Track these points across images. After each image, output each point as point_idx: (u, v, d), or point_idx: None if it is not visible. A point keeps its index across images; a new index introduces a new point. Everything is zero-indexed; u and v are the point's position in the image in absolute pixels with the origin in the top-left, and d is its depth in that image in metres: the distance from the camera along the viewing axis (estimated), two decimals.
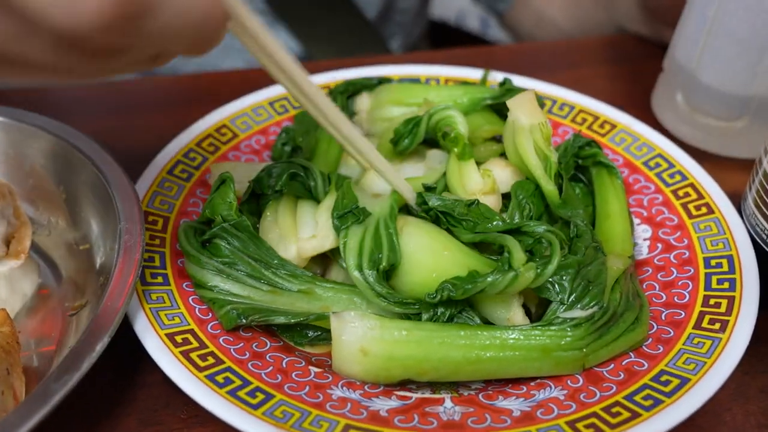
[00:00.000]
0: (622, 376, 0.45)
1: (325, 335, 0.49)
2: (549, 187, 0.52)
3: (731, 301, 0.48)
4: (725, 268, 0.51)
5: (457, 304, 0.47)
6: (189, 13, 0.32)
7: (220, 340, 0.47)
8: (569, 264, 0.47)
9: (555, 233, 0.47)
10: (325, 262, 0.53)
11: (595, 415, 0.42)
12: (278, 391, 0.43)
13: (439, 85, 0.68)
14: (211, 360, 0.45)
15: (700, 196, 0.56)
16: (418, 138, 0.55)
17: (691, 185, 0.57)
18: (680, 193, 0.57)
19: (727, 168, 0.64)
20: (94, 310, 0.47)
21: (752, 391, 0.48)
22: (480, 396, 0.45)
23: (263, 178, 0.54)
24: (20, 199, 0.54)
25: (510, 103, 0.54)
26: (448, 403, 0.45)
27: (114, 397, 0.47)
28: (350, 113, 0.64)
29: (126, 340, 0.46)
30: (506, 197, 0.54)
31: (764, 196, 0.50)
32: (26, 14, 0.30)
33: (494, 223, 0.49)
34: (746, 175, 0.63)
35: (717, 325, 0.47)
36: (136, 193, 0.51)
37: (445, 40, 1.21)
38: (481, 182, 0.52)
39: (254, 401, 0.42)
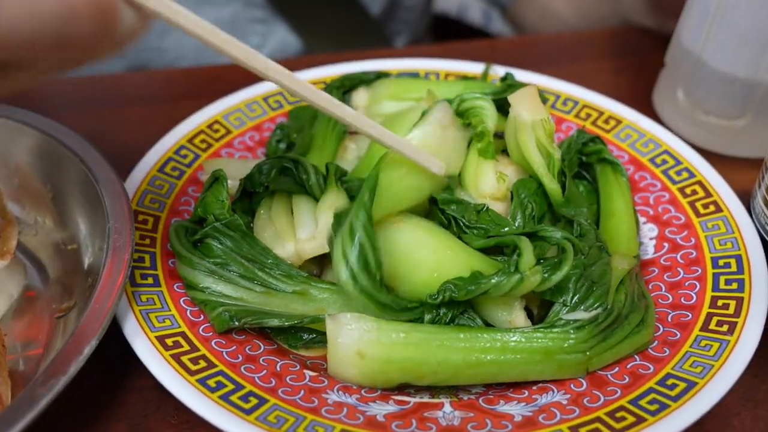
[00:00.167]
0: (627, 379, 0.45)
1: (320, 338, 0.49)
2: (552, 185, 0.52)
3: (740, 302, 0.48)
4: (734, 268, 0.51)
5: (459, 305, 0.47)
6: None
7: (212, 343, 0.47)
8: (573, 265, 0.47)
9: (572, 240, 0.47)
10: (321, 261, 0.53)
11: (599, 420, 0.42)
12: (272, 395, 0.43)
13: (438, 80, 0.68)
14: (202, 363, 0.45)
15: (708, 194, 0.56)
16: None
17: (699, 183, 0.57)
18: (687, 190, 0.57)
19: (736, 165, 0.64)
20: (82, 312, 0.47)
21: (761, 395, 0.48)
22: (480, 400, 0.45)
23: (254, 176, 0.54)
24: (6, 198, 0.54)
25: (511, 98, 0.54)
26: (448, 408, 0.45)
27: (102, 402, 0.47)
28: None
29: (115, 343, 0.46)
30: None
31: None
32: None
33: (506, 228, 0.48)
34: (755, 172, 0.63)
35: (725, 327, 0.47)
36: (126, 192, 0.51)
37: (446, 34, 1.21)
38: (495, 186, 0.51)
39: (247, 406, 0.42)
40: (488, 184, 0.52)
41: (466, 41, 0.87)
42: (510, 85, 0.62)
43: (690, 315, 0.49)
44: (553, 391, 0.45)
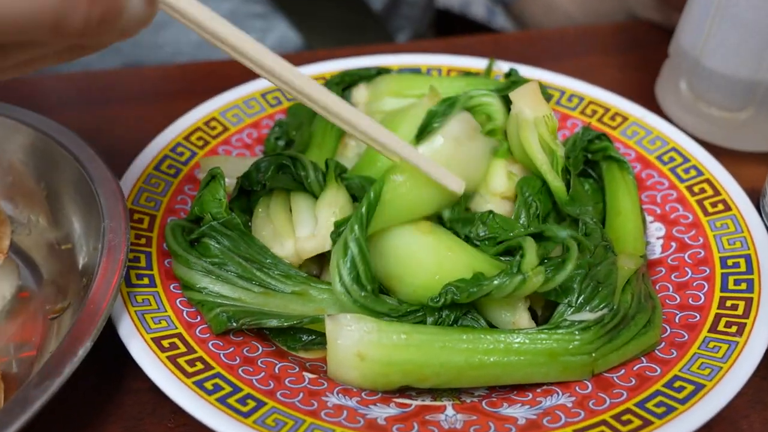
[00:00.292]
0: (634, 382, 0.45)
1: (319, 339, 0.49)
2: (556, 183, 0.52)
3: (749, 303, 0.48)
4: (743, 268, 0.51)
5: (461, 307, 0.47)
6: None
7: (209, 344, 0.47)
8: (578, 264, 0.47)
9: (577, 239, 0.47)
10: (321, 260, 0.53)
11: (604, 423, 0.43)
12: (270, 398, 0.44)
13: (441, 76, 0.69)
14: (199, 365, 0.45)
15: (717, 192, 0.56)
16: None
17: (707, 181, 0.57)
18: (695, 189, 0.57)
19: (745, 162, 0.64)
20: (76, 314, 0.47)
21: None
22: (483, 403, 0.45)
23: (252, 173, 0.54)
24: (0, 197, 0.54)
25: (513, 95, 0.54)
26: (450, 411, 0.45)
27: (97, 405, 0.47)
28: None
29: (110, 344, 0.47)
30: None
31: None
32: None
33: (514, 231, 0.49)
34: (765, 169, 0.63)
35: (734, 329, 0.47)
36: (121, 190, 0.51)
37: (449, 29, 1.21)
38: (506, 185, 0.52)
39: (245, 409, 0.42)
40: (499, 182, 0.52)
41: (469, 36, 0.87)
42: (514, 81, 0.62)
43: (698, 316, 0.49)
44: (558, 394, 0.45)
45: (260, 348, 0.48)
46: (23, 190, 0.55)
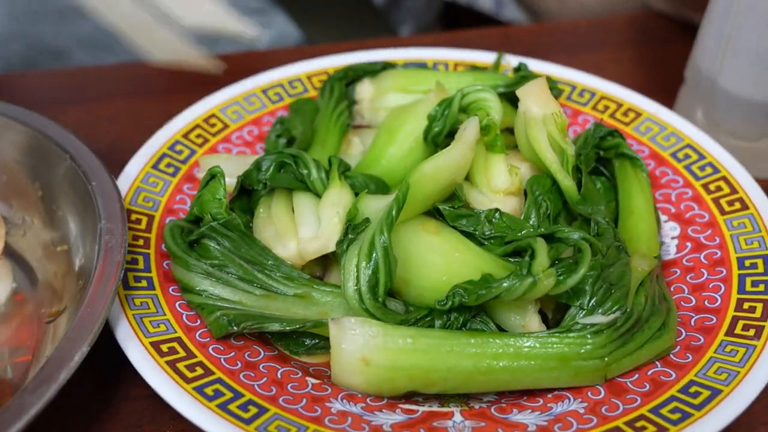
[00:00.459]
0: (648, 387, 0.45)
1: (323, 343, 0.49)
2: (566, 182, 0.52)
3: (767, 305, 0.48)
4: (761, 269, 0.51)
5: (469, 309, 0.47)
6: None
7: (210, 349, 0.47)
8: (590, 266, 0.47)
9: (590, 241, 0.47)
10: (324, 262, 0.53)
11: (617, 429, 0.42)
12: (272, 404, 0.44)
13: (447, 71, 0.68)
14: (199, 371, 0.45)
15: (734, 191, 0.56)
16: (451, 120, 0.54)
17: (724, 178, 0.57)
18: (711, 187, 0.57)
19: None
20: (72, 317, 0.47)
21: None
22: (492, 409, 0.45)
23: (253, 172, 0.54)
24: None
25: (520, 92, 0.54)
26: (458, 417, 0.45)
27: (94, 411, 0.47)
28: (350, 101, 0.64)
29: (107, 349, 0.47)
30: None
31: None
32: None
33: (523, 231, 0.48)
34: None
35: (752, 332, 0.47)
36: (118, 190, 0.51)
37: (456, 22, 1.21)
38: (508, 181, 0.51)
39: (246, 415, 0.42)
40: (500, 179, 0.52)
41: (477, 29, 0.87)
42: (524, 76, 0.62)
43: (714, 319, 0.49)
44: (570, 399, 0.45)
45: (262, 352, 0.48)
46: (18, 189, 0.56)
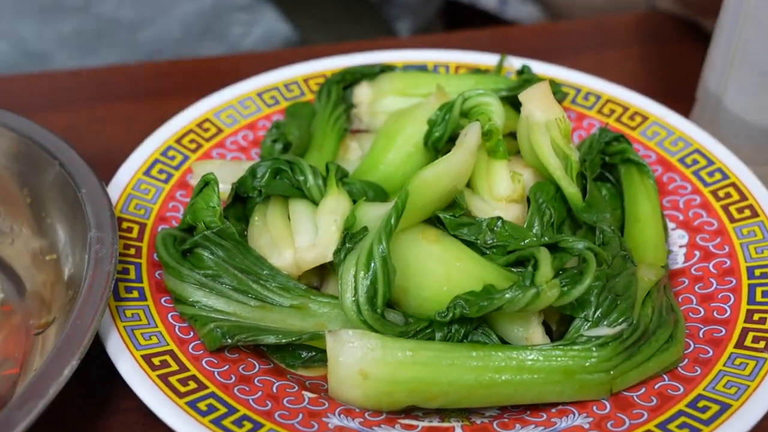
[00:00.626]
0: (655, 401, 0.45)
1: (320, 356, 0.49)
2: (570, 189, 0.52)
3: None
4: None
5: (471, 321, 0.47)
6: None
7: (203, 362, 0.47)
8: (595, 276, 0.47)
9: (595, 251, 0.47)
10: (322, 272, 0.53)
11: None
12: (268, 419, 0.44)
13: (448, 73, 0.69)
14: (192, 385, 0.45)
15: (743, 197, 0.56)
16: (452, 125, 0.54)
17: (733, 185, 0.57)
18: (720, 193, 0.57)
19: None
20: (61, 329, 0.47)
21: None
22: (494, 424, 0.45)
23: (248, 179, 0.54)
24: None
25: (522, 96, 0.55)
26: None
27: (84, 426, 0.47)
28: (348, 105, 0.65)
29: (97, 362, 0.47)
30: None
31: None
32: None
33: (526, 240, 0.49)
34: None
35: (762, 344, 0.47)
36: (108, 197, 0.52)
37: (459, 21, 1.21)
38: (511, 188, 0.52)
39: (241, 431, 0.42)
40: (503, 185, 0.52)
41: (478, 29, 0.88)
42: (527, 79, 0.62)
43: (723, 330, 0.49)
44: (574, 414, 0.45)
45: (257, 365, 0.48)
46: (5, 197, 0.56)
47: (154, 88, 0.76)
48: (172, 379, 0.45)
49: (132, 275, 0.51)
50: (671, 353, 0.47)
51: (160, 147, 0.60)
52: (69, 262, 0.52)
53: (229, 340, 0.47)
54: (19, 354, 0.50)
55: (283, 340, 0.48)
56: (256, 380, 0.47)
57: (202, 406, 0.44)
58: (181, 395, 0.44)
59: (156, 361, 0.46)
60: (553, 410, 0.46)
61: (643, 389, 0.46)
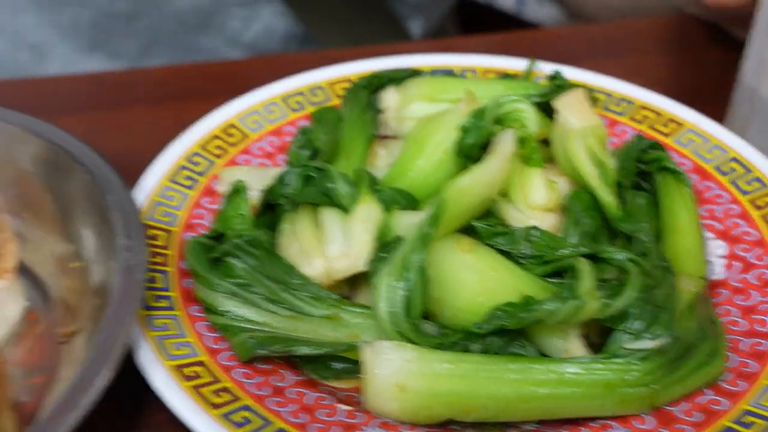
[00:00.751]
0: (698, 416, 0.45)
1: (353, 367, 0.49)
2: (607, 198, 0.52)
3: None
4: None
5: (509, 333, 0.47)
6: None
7: (235, 373, 0.47)
8: (636, 287, 0.47)
9: (637, 262, 0.47)
10: (352, 281, 0.53)
11: None
12: None
13: (476, 78, 0.69)
14: (226, 396, 0.45)
15: None
16: (485, 132, 0.54)
17: None
18: (759, 202, 0.57)
19: None
20: (91, 339, 0.48)
21: None
22: None
23: (276, 187, 0.54)
24: (4, 211, 0.54)
25: (558, 103, 0.55)
26: None
27: None
28: (375, 110, 0.64)
29: (126, 372, 0.47)
30: None
31: None
32: None
33: (562, 251, 0.48)
34: None
35: None
36: (136, 204, 0.52)
37: (473, 21, 1.21)
38: (547, 196, 0.52)
39: None
40: (538, 194, 0.52)
41: (500, 33, 0.88)
42: (559, 85, 0.62)
43: (766, 343, 0.48)
44: (615, 429, 0.45)
45: (290, 377, 0.48)
46: (31, 203, 0.56)
47: (174, 93, 0.76)
48: (205, 391, 0.45)
49: (160, 283, 0.51)
50: (714, 367, 0.47)
51: (185, 152, 0.60)
52: (96, 269, 0.52)
53: (263, 351, 0.47)
54: (45, 363, 0.50)
55: (317, 351, 0.48)
56: (289, 392, 0.47)
57: (236, 417, 0.44)
58: (215, 407, 0.44)
59: (187, 372, 0.46)
60: (593, 424, 0.46)
61: (686, 404, 0.46)
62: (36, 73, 0.91)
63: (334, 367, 0.49)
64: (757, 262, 0.54)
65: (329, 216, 0.53)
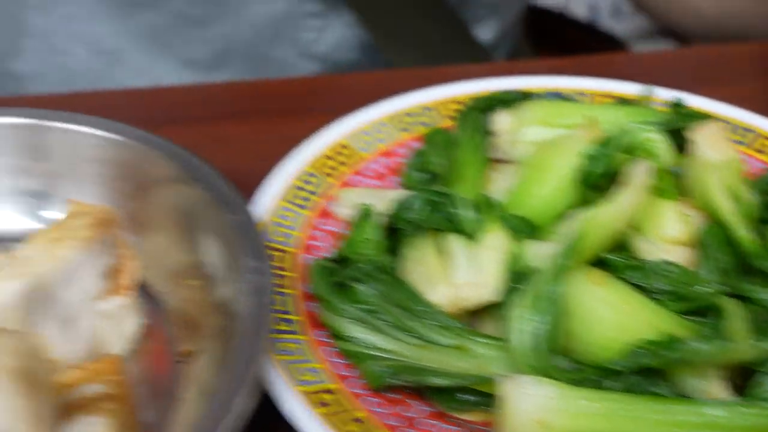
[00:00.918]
0: None
1: (483, 400, 0.49)
2: (744, 233, 0.51)
3: None
4: None
5: (649, 371, 0.46)
6: None
7: (365, 401, 0.47)
8: None
9: None
10: (473, 310, 0.53)
11: None
12: None
13: (591, 102, 0.68)
14: (358, 426, 0.45)
15: None
16: (612, 161, 0.54)
17: None
18: None
19: None
20: (214, 360, 0.48)
21: None
22: None
23: (401, 211, 0.54)
24: (125, 228, 0.55)
25: (694, 135, 0.54)
26: None
27: None
28: (487, 133, 0.64)
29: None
30: None
31: None
32: None
33: (700, 287, 0.48)
34: None
35: None
36: (258, 223, 0.52)
37: (541, 27, 1.20)
38: (681, 229, 0.51)
39: None
40: (672, 227, 0.52)
41: (594, 54, 0.87)
42: (685, 114, 0.61)
43: None
44: None
45: (418, 407, 0.48)
46: (151, 220, 0.56)
47: (273, 108, 0.76)
48: (336, 420, 0.45)
49: (284, 306, 0.51)
50: None
51: (297, 171, 0.61)
52: (218, 289, 0.52)
53: (394, 380, 0.47)
54: (163, 381, 0.51)
55: (449, 382, 0.47)
56: (421, 423, 0.47)
57: None
58: None
59: (318, 398, 0.46)
60: None
61: None
62: (109, 80, 0.93)
63: (462, 398, 0.49)
64: None
65: (455, 243, 0.53)
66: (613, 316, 0.48)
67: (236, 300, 0.49)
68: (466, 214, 0.53)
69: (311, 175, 0.61)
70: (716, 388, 0.46)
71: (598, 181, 0.55)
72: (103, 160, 0.56)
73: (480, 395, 0.49)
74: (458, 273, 0.51)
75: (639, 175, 0.51)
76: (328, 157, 0.63)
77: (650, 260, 0.51)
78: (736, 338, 0.45)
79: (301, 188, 0.60)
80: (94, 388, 0.47)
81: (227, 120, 0.76)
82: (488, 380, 0.47)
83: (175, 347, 0.53)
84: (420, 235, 0.54)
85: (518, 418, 0.44)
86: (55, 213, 0.56)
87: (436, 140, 0.64)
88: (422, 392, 0.50)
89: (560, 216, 0.56)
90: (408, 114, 0.67)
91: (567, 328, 0.48)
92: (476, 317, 0.53)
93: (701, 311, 0.48)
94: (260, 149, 0.68)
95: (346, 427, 0.45)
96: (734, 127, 0.66)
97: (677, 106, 0.64)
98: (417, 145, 0.65)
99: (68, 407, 0.45)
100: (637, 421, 0.45)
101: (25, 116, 0.56)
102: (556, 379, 0.46)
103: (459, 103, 0.68)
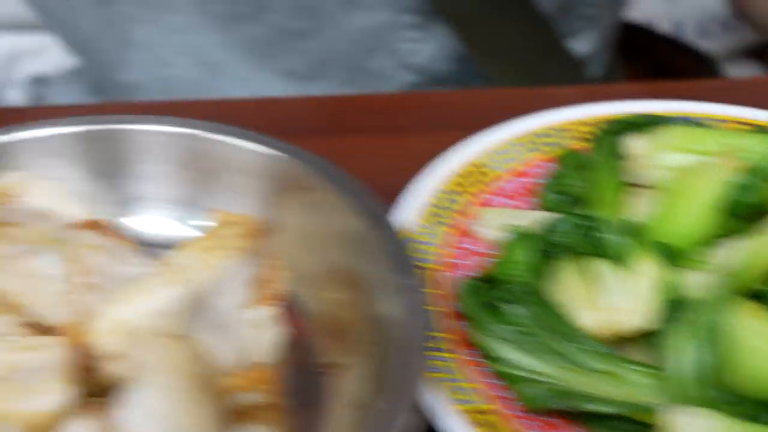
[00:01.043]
0: None
1: (635, 428, 0.49)
2: None
3: None
4: None
5: None
6: None
7: (521, 423, 0.48)
8: None
9: None
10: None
11: None
12: None
13: (727, 129, 0.68)
14: None
15: None
16: (763, 191, 0.54)
17: None
18: None
19: None
20: (370, 376, 0.48)
21: None
22: None
23: (549, 233, 0.55)
24: (273, 238, 0.56)
25: None
26: None
27: None
28: (618, 156, 0.65)
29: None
30: None
31: None
32: None
33: None
34: None
35: None
36: (404, 240, 0.53)
37: (633, 44, 1.20)
38: None
39: None
40: None
41: (698, 80, 0.87)
42: None
43: None
44: None
45: None
46: (303, 240, 0.57)
47: (395, 122, 0.77)
48: None
49: (433, 325, 0.52)
50: None
51: (434, 189, 0.61)
52: (370, 304, 0.53)
53: (552, 404, 0.48)
54: (305, 393, 0.52)
55: (610, 410, 0.48)
56: None
57: None
58: None
59: (476, 419, 0.47)
60: None
61: None
62: (210, 90, 0.95)
63: (617, 426, 0.49)
64: None
65: (603, 268, 0.53)
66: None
67: (390, 315, 0.50)
68: (614, 238, 0.54)
69: (447, 192, 0.62)
70: None
71: (746, 210, 0.56)
72: (252, 171, 0.57)
73: (635, 424, 0.49)
74: (610, 298, 0.52)
75: None
76: (462, 176, 0.63)
77: None
78: None
79: (436, 206, 0.61)
80: (252, 397, 0.49)
81: (338, 133, 0.77)
82: (646, 409, 0.47)
83: (319, 359, 0.54)
84: (567, 259, 0.55)
85: None
86: (200, 221, 0.58)
87: (569, 162, 0.64)
88: (575, 417, 0.50)
89: (702, 245, 0.56)
90: (536, 134, 0.68)
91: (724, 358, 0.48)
92: (620, 344, 0.54)
93: None
94: (376, 164, 0.69)
95: None
96: None
97: None
98: (549, 165, 0.65)
99: (232, 414, 0.47)
100: None
101: (182, 126, 0.58)
102: (720, 410, 0.46)
103: (587, 125, 0.68)
